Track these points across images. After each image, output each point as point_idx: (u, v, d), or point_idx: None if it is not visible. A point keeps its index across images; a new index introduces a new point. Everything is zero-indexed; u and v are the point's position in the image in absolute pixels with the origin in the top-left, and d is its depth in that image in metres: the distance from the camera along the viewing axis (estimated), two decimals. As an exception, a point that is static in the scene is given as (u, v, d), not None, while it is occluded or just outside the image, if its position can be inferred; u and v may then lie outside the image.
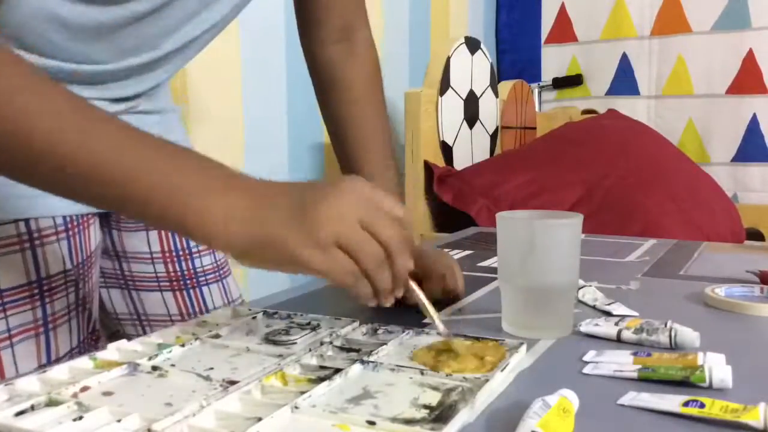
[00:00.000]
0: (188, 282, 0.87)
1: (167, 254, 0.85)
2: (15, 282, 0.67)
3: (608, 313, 0.72)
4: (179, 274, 0.86)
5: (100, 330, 0.80)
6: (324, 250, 0.53)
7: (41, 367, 0.66)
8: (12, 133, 0.50)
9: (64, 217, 0.71)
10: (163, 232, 0.84)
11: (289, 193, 0.55)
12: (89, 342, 0.75)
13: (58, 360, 0.69)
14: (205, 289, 0.88)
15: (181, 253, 0.86)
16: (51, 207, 0.69)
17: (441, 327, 0.61)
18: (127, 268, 0.84)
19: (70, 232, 0.73)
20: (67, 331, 0.71)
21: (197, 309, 0.87)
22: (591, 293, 0.78)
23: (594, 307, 0.75)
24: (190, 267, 0.86)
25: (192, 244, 0.86)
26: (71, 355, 0.71)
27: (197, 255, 0.87)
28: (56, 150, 0.50)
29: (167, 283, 0.86)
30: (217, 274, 0.90)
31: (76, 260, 0.73)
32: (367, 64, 0.90)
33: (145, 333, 0.82)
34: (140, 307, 0.86)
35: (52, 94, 0.52)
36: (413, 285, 0.62)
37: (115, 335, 0.85)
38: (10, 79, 0.51)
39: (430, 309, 0.62)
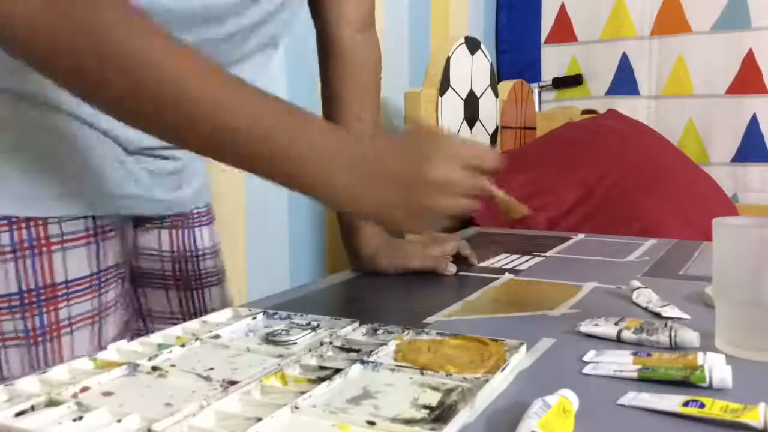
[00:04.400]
0: (192, 283, 0.89)
1: (175, 254, 0.88)
2: (80, 273, 0.72)
3: (658, 315, 0.72)
4: (185, 274, 0.88)
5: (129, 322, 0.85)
6: (423, 220, 0.63)
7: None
8: (174, 99, 0.55)
9: (118, 215, 0.77)
10: (174, 234, 0.88)
11: (394, 165, 0.62)
12: (124, 332, 0.79)
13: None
14: (206, 291, 0.91)
15: (188, 254, 0.88)
16: (111, 207, 0.75)
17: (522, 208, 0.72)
18: (136, 264, 0.87)
19: (119, 231, 0.78)
20: (113, 321, 0.76)
21: (198, 309, 0.90)
22: (645, 295, 0.77)
23: (646, 309, 0.75)
24: (196, 268, 0.89)
25: (199, 246, 0.90)
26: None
27: (202, 257, 0.90)
28: (214, 115, 0.56)
29: (172, 282, 0.88)
30: (217, 277, 0.93)
31: (123, 256, 0.79)
32: (375, 56, 0.99)
33: (145, 326, 0.88)
34: (143, 302, 0.88)
35: (205, 64, 0.57)
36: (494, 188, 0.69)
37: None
38: (166, 47, 0.55)
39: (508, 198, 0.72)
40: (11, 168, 0.67)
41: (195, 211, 0.90)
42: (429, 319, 0.72)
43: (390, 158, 0.62)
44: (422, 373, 0.54)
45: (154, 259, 0.87)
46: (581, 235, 1.30)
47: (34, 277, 0.69)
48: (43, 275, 0.69)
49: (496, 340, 0.60)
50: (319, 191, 0.60)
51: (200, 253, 0.90)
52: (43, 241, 0.69)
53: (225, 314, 0.71)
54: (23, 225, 0.68)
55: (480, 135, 2.01)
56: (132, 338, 0.64)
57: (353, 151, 0.61)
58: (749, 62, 2.26)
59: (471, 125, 1.97)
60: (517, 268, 0.98)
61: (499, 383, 0.53)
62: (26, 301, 0.69)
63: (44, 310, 0.70)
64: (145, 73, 0.54)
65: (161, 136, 0.59)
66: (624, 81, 2.49)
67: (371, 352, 0.58)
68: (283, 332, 0.65)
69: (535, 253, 1.10)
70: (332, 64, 0.96)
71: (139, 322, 0.89)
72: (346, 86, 0.96)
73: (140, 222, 0.85)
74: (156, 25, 0.55)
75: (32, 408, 0.47)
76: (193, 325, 0.68)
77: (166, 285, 0.88)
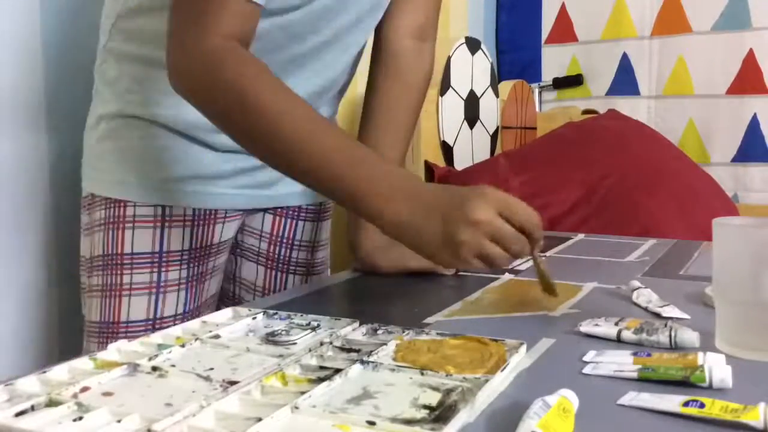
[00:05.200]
0: (280, 266, 1.04)
1: (273, 237, 1.03)
2: (142, 249, 0.90)
3: (658, 315, 0.72)
4: (275, 256, 1.04)
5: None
6: (455, 255, 0.69)
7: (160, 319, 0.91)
8: (271, 131, 0.71)
9: (226, 211, 0.95)
10: (276, 221, 1.03)
11: (440, 206, 0.69)
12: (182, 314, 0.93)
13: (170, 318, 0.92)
14: (291, 276, 1.05)
15: (284, 241, 1.04)
16: (224, 202, 0.94)
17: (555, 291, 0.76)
18: (240, 239, 1.03)
19: (192, 223, 0.93)
20: (171, 301, 0.91)
21: (278, 288, 1.05)
22: (645, 295, 0.77)
23: (646, 309, 0.75)
24: (286, 255, 1.04)
25: (297, 237, 1.04)
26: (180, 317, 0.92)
27: (296, 247, 1.04)
28: (304, 148, 0.71)
29: (264, 259, 1.04)
30: (304, 269, 1.06)
31: (193, 244, 0.94)
32: (426, 69, 1.04)
33: (233, 291, 1.06)
34: (237, 270, 1.05)
35: (296, 101, 0.73)
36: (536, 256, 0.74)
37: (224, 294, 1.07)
38: (270, 84, 0.72)
39: (546, 274, 0.76)
40: (118, 163, 0.90)
41: (304, 207, 1.04)
42: (429, 319, 0.72)
43: (437, 196, 0.70)
44: (422, 373, 0.54)
45: (254, 237, 1.03)
46: (581, 235, 1.30)
47: (111, 246, 0.89)
48: (117, 245, 0.89)
49: (496, 340, 0.60)
50: (373, 216, 0.71)
51: (295, 243, 1.04)
52: (120, 219, 0.89)
53: (225, 314, 0.71)
54: (112, 204, 0.89)
55: (480, 135, 2.01)
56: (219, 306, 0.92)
57: (411, 187, 0.71)
58: (749, 62, 2.26)
59: (471, 125, 1.97)
60: (517, 268, 0.98)
61: (499, 383, 0.53)
62: (107, 263, 0.89)
63: (114, 272, 0.89)
64: (273, 126, 0.71)
65: (266, 162, 0.76)
66: (624, 81, 2.49)
67: (371, 352, 0.58)
68: (283, 332, 0.65)
69: (535, 253, 1.10)
70: (383, 71, 1.01)
71: (230, 285, 1.05)
72: (391, 96, 1.01)
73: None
74: (277, 81, 0.73)
75: (32, 408, 0.47)
76: (193, 325, 0.68)
77: (258, 261, 1.04)
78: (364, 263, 0.96)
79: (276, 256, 1.04)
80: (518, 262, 1.03)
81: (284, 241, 1.04)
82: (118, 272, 0.89)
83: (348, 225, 0.99)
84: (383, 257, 0.95)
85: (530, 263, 1.02)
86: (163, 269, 0.90)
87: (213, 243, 0.96)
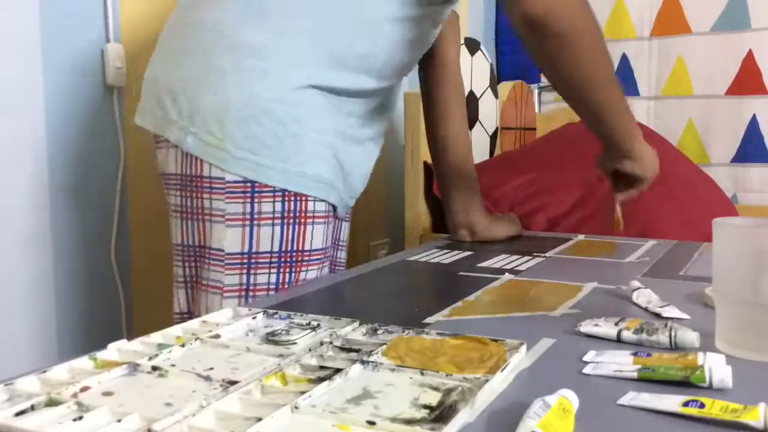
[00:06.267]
0: (333, 268, 1.10)
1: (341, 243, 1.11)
2: (317, 245, 0.94)
3: (658, 316, 0.72)
4: (333, 260, 1.10)
5: None
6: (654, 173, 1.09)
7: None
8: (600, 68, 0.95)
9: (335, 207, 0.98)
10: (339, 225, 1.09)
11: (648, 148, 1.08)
12: None
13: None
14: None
15: (338, 244, 1.10)
16: (339, 201, 0.97)
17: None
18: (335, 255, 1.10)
19: (336, 220, 1.00)
20: None
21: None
22: (645, 295, 0.77)
23: (646, 309, 0.75)
24: (338, 257, 1.11)
25: (342, 238, 1.10)
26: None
27: (341, 248, 1.11)
28: (611, 95, 0.99)
29: (330, 267, 1.08)
30: (343, 267, 1.13)
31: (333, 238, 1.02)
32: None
33: None
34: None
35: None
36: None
37: None
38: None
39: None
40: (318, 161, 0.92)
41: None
42: (429, 319, 0.72)
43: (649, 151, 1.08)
44: (422, 373, 0.54)
45: (342, 249, 1.11)
46: (581, 236, 1.30)
47: (292, 242, 0.90)
48: (298, 242, 0.90)
49: (496, 340, 0.60)
50: (626, 141, 1.06)
51: (341, 244, 1.10)
52: (302, 214, 0.91)
53: (225, 314, 0.71)
54: (292, 198, 0.90)
55: (480, 136, 2.01)
56: None
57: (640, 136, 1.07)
58: (749, 63, 2.26)
59: (471, 126, 1.97)
60: (517, 268, 0.98)
61: (499, 383, 0.53)
62: (283, 259, 0.90)
63: (294, 269, 0.90)
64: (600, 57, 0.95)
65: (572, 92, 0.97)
66: (624, 81, 2.49)
67: (371, 352, 0.58)
68: (283, 332, 0.65)
69: (535, 253, 1.10)
70: (441, 80, 1.22)
71: None
72: (452, 94, 1.24)
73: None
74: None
75: (32, 408, 0.47)
76: (193, 325, 0.68)
77: (335, 270, 1.10)
78: (463, 234, 1.23)
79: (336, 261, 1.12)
80: (518, 262, 1.03)
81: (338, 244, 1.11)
82: (298, 269, 0.91)
83: (445, 205, 1.25)
84: (483, 229, 1.23)
85: (530, 263, 1.02)
86: (324, 264, 0.96)
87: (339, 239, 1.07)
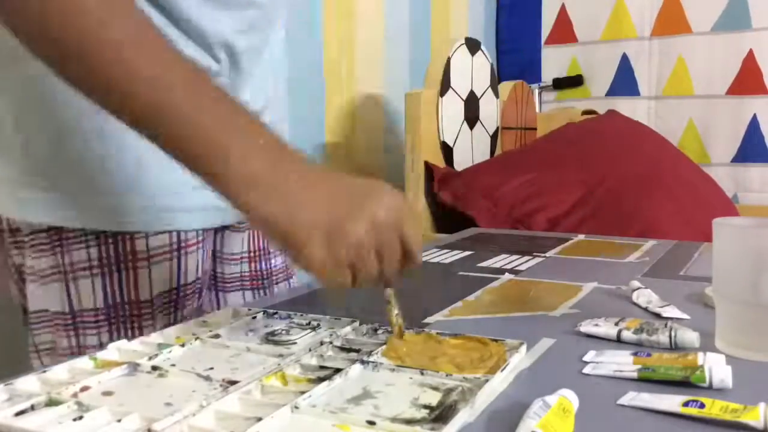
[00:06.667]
0: (264, 281, 0.91)
1: (253, 254, 0.88)
2: (162, 288, 0.74)
3: (658, 316, 0.72)
4: (258, 273, 0.90)
5: None
6: (335, 266, 0.55)
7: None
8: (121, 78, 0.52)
9: (197, 231, 0.76)
10: (256, 233, 0.88)
11: (325, 197, 0.56)
12: None
13: None
14: (275, 288, 0.92)
15: (262, 253, 0.89)
16: (193, 221, 0.74)
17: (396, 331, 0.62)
18: (220, 270, 0.87)
19: (200, 244, 0.77)
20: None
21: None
22: (645, 295, 0.77)
23: (646, 309, 0.75)
24: (267, 267, 0.90)
25: (270, 244, 0.89)
26: None
27: (273, 255, 0.91)
28: (154, 95, 0.53)
29: (248, 282, 0.89)
30: (284, 274, 0.94)
31: (202, 270, 0.79)
32: None
33: None
34: (223, 305, 0.88)
35: (167, 50, 0.54)
36: (391, 295, 0.64)
37: None
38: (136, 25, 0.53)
39: (393, 315, 0.63)
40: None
41: None
42: (429, 319, 0.72)
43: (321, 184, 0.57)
44: (422, 373, 0.54)
45: (235, 263, 0.87)
46: (581, 236, 1.30)
47: (120, 293, 0.71)
48: (128, 291, 0.71)
49: (496, 340, 0.60)
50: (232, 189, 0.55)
51: (271, 251, 0.90)
52: (130, 257, 0.70)
53: (225, 314, 0.71)
54: (110, 240, 0.70)
55: (480, 135, 2.01)
56: None
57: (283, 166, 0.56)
58: (749, 63, 2.26)
59: (471, 126, 1.97)
60: (517, 268, 0.98)
61: (499, 383, 0.53)
62: (113, 315, 0.71)
63: (128, 326, 0.72)
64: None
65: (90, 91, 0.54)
66: (624, 82, 2.49)
67: (371, 352, 0.58)
68: (283, 332, 0.65)
69: (535, 253, 1.10)
70: None
71: None
72: None
73: (221, 228, 0.84)
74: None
75: (32, 407, 0.47)
76: (193, 325, 0.68)
77: (242, 286, 0.89)
78: None
79: (258, 273, 0.91)
80: (518, 262, 1.03)
81: (263, 252, 0.91)
82: (135, 324, 0.74)
83: None
84: None
85: (530, 263, 1.02)
86: (180, 305, 0.77)
87: (209, 260, 0.83)
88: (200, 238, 0.76)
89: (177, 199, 0.70)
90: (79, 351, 0.73)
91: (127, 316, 0.72)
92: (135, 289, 0.72)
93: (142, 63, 0.52)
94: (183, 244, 0.74)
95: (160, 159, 0.56)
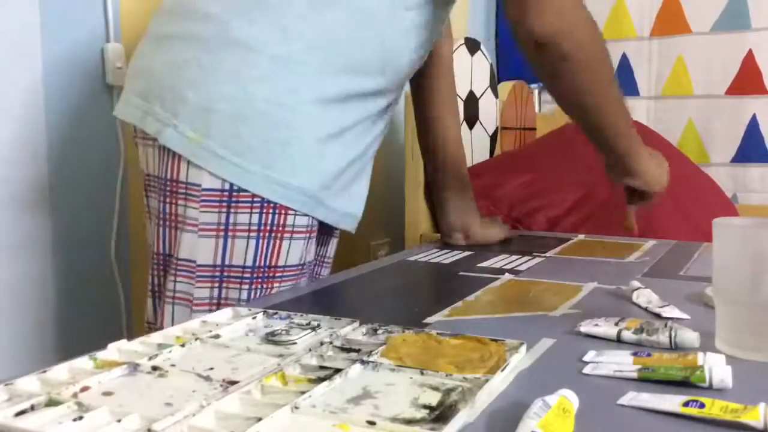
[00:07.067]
0: None
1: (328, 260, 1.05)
2: (292, 261, 0.87)
3: (658, 316, 0.72)
4: (313, 275, 1.02)
5: None
6: (660, 187, 1.12)
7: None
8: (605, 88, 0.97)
9: (314, 223, 0.89)
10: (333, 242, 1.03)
11: (654, 161, 1.10)
12: None
13: None
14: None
15: (326, 261, 1.04)
16: (327, 216, 0.90)
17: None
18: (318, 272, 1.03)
19: (319, 236, 0.94)
20: None
21: None
22: (645, 295, 0.77)
23: (646, 310, 0.75)
24: (320, 273, 1.04)
25: (327, 254, 1.03)
26: None
27: (326, 265, 1.05)
28: (612, 115, 0.99)
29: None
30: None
31: (314, 255, 0.95)
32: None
33: None
34: None
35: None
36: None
37: None
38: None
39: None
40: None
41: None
42: (429, 319, 0.72)
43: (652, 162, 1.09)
44: (422, 373, 0.54)
45: (326, 266, 1.04)
46: (581, 236, 1.30)
47: (266, 257, 0.84)
48: (272, 257, 0.85)
49: (496, 340, 0.60)
50: (633, 164, 1.06)
51: (326, 260, 1.03)
52: (279, 228, 0.85)
53: (225, 314, 0.71)
54: (270, 209, 0.84)
55: (480, 135, 2.01)
56: None
57: (643, 153, 1.07)
58: (749, 63, 2.26)
59: (471, 126, 1.97)
60: (517, 268, 0.98)
61: (499, 383, 0.53)
62: (255, 275, 0.84)
63: (265, 285, 0.85)
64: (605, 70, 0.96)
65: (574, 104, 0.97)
66: (624, 81, 2.48)
67: (371, 352, 0.58)
68: (283, 332, 0.65)
69: (535, 253, 1.10)
70: (436, 76, 1.22)
71: None
72: (446, 91, 1.26)
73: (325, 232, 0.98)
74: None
75: (32, 408, 0.47)
76: (193, 324, 0.68)
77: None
78: (457, 237, 1.21)
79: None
80: (518, 262, 1.03)
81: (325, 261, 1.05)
82: (268, 286, 0.85)
83: (438, 206, 1.24)
84: (478, 232, 1.21)
85: (530, 263, 1.02)
86: (301, 279, 0.90)
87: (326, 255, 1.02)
88: (314, 229, 0.90)
89: (325, 195, 0.88)
90: (218, 304, 0.83)
91: (263, 278, 0.85)
92: (275, 256, 0.85)
93: (614, 109, 0.98)
94: (312, 229, 0.89)
95: (326, 164, 0.86)
